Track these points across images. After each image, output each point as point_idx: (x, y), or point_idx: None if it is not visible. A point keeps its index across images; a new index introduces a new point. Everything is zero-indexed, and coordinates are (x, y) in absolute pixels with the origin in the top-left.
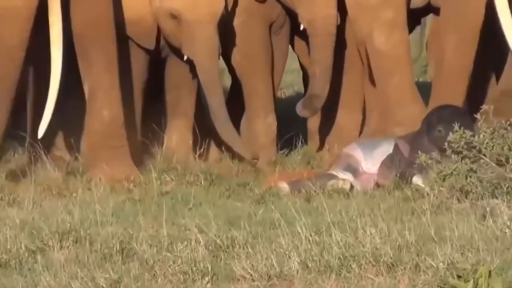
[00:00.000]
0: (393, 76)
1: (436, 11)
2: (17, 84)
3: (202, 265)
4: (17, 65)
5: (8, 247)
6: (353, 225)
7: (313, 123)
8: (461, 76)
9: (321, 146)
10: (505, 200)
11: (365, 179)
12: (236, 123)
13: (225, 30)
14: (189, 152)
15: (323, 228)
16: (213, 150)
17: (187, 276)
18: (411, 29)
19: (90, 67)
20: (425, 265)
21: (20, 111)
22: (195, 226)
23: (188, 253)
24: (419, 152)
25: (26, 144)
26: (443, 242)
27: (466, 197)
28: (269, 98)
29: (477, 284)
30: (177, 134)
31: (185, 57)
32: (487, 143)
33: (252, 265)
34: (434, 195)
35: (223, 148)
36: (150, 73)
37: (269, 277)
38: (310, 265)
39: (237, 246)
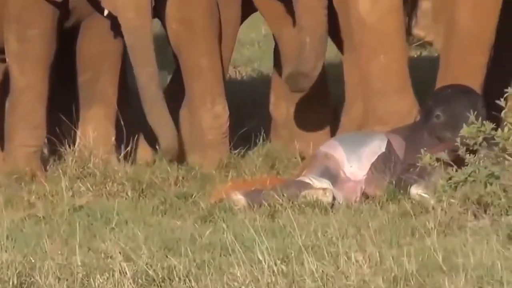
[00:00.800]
0: (377, 56)
1: None
2: None
3: None
4: None
5: None
6: (332, 249)
7: (279, 111)
8: (478, 49)
9: (289, 143)
10: None
11: (349, 188)
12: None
13: None
14: (110, 152)
15: (293, 254)
16: (144, 149)
17: None
18: None
19: None
20: None
21: None
22: (120, 252)
23: None
24: (418, 150)
25: None
26: (454, 273)
27: (486, 211)
28: (216, 79)
29: None
30: (95, 127)
31: (106, 12)
32: None
33: None
34: (442, 210)
35: (157, 146)
36: (58, 45)
37: None
38: None
39: (176, 279)
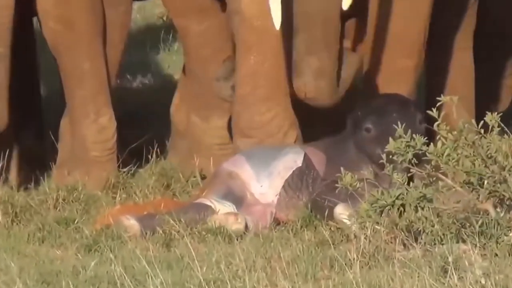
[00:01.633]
0: (248, 56)
1: None
2: None
3: None
4: None
5: None
6: (238, 284)
7: (179, 116)
8: (402, 52)
9: (188, 159)
10: (477, 244)
11: (257, 212)
12: None
13: None
14: None
15: None
16: (16, 164)
17: None
18: None
19: None
20: None
21: None
22: None
23: None
24: (342, 165)
25: None
26: None
27: (416, 240)
28: (101, 86)
29: None
30: None
31: None
32: (449, 155)
33: None
34: (365, 238)
35: (31, 160)
36: None
37: None
38: None
39: None
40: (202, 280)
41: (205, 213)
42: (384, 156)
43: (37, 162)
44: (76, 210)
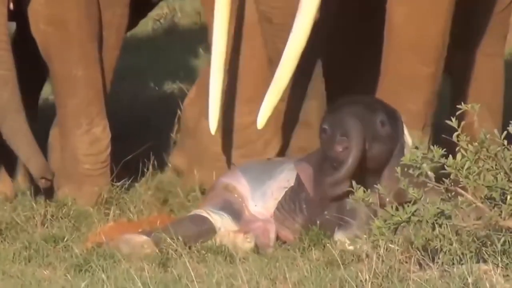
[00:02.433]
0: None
1: None
2: None
3: None
4: None
5: None
6: None
7: (191, 113)
8: (417, 58)
9: (187, 172)
10: (499, 264)
11: (257, 229)
12: None
13: None
14: None
15: None
16: (3, 181)
17: None
18: None
19: None
20: None
21: None
22: None
23: None
24: (320, 180)
25: None
26: None
27: (433, 260)
28: (95, 94)
29: None
30: None
31: None
32: (469, 168)
33: None
34: (378, 257)
35: (22, 175)
36: None
37: None
38: None
39: None
40: None
41: (203, 225)
42: (399, 169)
43: (22, 174)
44: (65, 227)
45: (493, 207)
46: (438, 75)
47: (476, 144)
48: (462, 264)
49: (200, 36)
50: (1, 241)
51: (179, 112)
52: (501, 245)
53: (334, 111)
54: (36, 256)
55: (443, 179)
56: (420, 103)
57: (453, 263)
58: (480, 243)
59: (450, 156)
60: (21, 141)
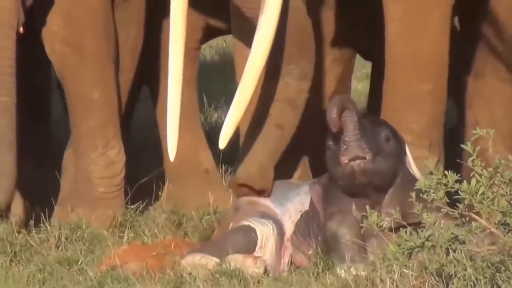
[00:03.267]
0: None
1: None
2: None
3: None
4: None
5: None
6: None
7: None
8: (414, 75)
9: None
10: None
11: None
12: None
13: None
14: None
15: None
16: (18, 202)
17: None
18: None
19: None
20: None
21: None
22: None
23: None
24: (328, 203)
25: None
26: None
27: (448, 285)
28: (111, 116)
29: None
30: None
31: None
32: (483, 194)
33: None
34: (392, 282)
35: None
36: None
37: None
38: None
39: None
40: None
41: (252, 234)
42: (414, 194)
43: (37, 196)
44: (79, 250)
45: (507, 233)
46: (440, 92)
47: (490, 169)
48: None
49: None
50: (16, 264)
51: None
52: None
53: (337, 133)
54: (50, 278)
55: (457, 204)
56: (423, 122)
57: None
58: (495, 269)
59: (465, 181)
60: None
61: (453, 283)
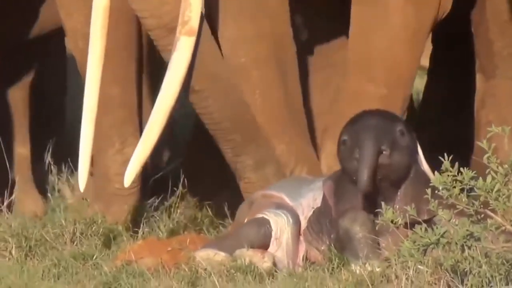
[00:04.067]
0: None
1: None
2: None
3: None
4: None
5: None
6: None
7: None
8: (366, 77)
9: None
10: None
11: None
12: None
13: None
14: None
15: None
16: (33, 197)
17: None
18: None
19: None
20: None
21: None
22: None
23: None
24: (339, 198)
25: None
26: None
27: (463, 282)
28: (130, 113)
29: None
30: None
31: None
32: (499, 191)
33: None
34: (407, 279)
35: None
36: None
37: None
38: None
39: None
40: None
41: (267, 226)
42: (429, 191)
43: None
44: (94, 245)
45: None
46: (394, 100)
47: (506, 166)
48: (491, 286)
49: None
50: (31, 258)
51: None
52: None
53: (353, 122)
54: (65, 273)
55: (473, 201)
56: None
57: (482, 286)
58: (510, 266)
59: (480, 178)
60: None
61: (468, 280)
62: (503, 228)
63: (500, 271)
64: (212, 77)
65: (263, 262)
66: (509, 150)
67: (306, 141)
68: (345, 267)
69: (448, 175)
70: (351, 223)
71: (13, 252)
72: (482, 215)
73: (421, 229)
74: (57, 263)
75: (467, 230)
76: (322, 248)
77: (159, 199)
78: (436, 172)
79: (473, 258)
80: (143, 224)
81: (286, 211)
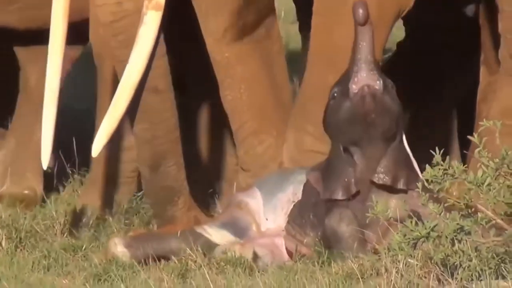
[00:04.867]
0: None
1: None
2: None
3: None
4: None
5: None
6: None
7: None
8: (325, 66)
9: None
10: None
11: (267, 246)
12: None
13: None
14: None
15: None
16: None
17: None
18: None
19: None
20: None
21: None
22: None
23: None
24: (329, 178)
25: None
26: None
27: (453, 275)
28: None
29: None
30: None
31: None
32: (489, 185)
33: None
34: (397, 272)
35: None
36: None
37: None
38: None
39: None
40: None
41: (195, 241)
42: (420, 185)
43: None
44: (84, 237)
45: None
46: None
47: (497, 160)
48: (481, 280)
49: None
50: (21, 250)
51: None
52: None
53: (342, 76)
54: (55, 265)
55: (464, 195)
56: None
57: (472, 279)
58: (500, 260)
59: (471, 172)
60: None
61: (458, 273)
62: (493, 222)
63: (490, 265)
64: None
65: (243, 250)
66: (500, 144)
67: None
68: (335, 260)
69: (439, 169)
70: (337, 223)
71: (3, 243)
72: (473, 209)
73: (411, 222)
74: (47, 254)
75: (457, 224)
76: (305, 241)
77: None
78: (427, 166)
79: (463, 252)
80: (134, 215)
81: (231, 234)
